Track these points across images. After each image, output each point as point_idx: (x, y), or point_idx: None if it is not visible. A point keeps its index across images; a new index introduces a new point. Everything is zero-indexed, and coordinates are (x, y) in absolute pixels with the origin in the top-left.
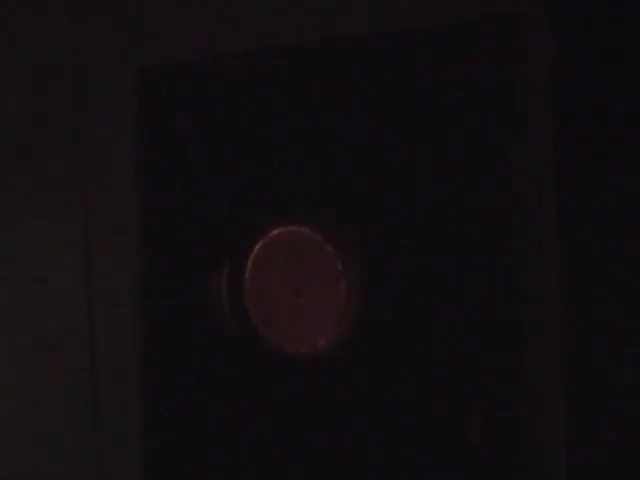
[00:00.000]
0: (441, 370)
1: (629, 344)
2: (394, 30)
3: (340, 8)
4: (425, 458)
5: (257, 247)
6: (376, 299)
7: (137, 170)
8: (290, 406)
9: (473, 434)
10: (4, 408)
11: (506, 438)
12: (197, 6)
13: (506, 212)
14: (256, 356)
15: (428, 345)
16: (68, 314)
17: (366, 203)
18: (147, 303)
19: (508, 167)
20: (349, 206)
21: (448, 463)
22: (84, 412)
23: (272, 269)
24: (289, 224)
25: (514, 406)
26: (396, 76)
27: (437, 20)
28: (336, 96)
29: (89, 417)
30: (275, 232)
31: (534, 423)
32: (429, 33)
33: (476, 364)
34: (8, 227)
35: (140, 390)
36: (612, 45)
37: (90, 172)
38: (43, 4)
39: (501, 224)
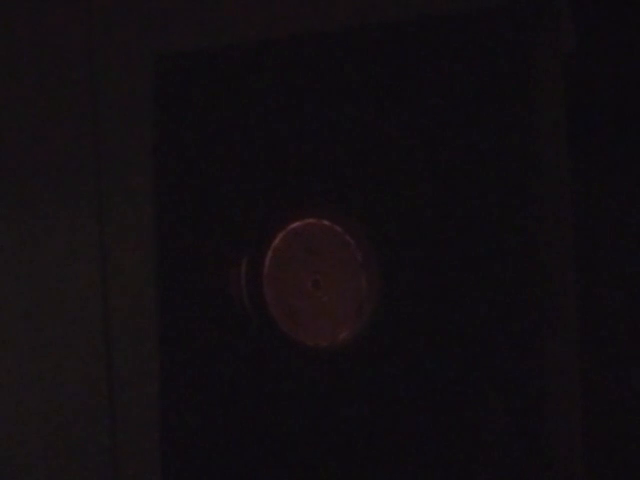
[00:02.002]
0: (463, 363)
1: None
2: (410, 16)
3: None
4: (445, 449)
5: (276, 240)
6: (396, 291)
7: (154, 160)
8: (310, 399)
9: (491, 430)
10: (18, 404)
11: (524, 431)
12: None
13: (524, 205)
14: (276, 349)
15: (449, 337)
16: (83, 311)
17: (386, 195)
18: (165, 298)
19: (525, 162)
20: (369, 198)
21: (467, 457)
22: (100, 411)
23: (292, 262)
24: (309, 217)
25: (532, 397)
26: (414, 64)
27: (453, 6)
28: (359, 85)
29: (105, 414)
30: (295, 225)
31: (552, 419)
32: (444, 19)
33: (498, 358)
34: (22, 223)
35: (158, 384)
36: (634, 36)
37: (105, 161)
38: None
39: (519, 217)
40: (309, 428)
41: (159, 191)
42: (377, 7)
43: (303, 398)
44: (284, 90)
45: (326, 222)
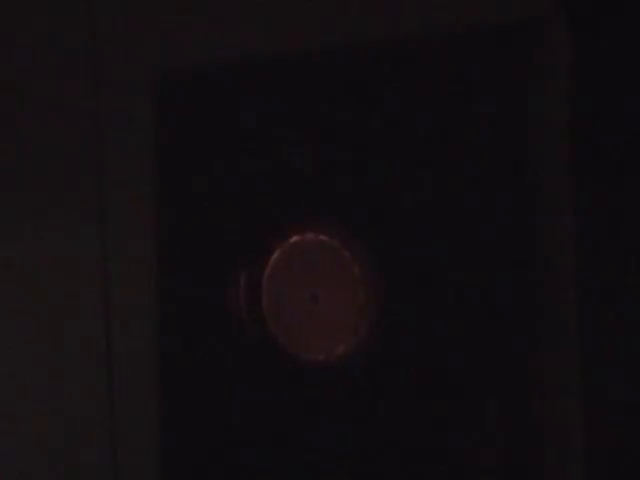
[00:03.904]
0: (462, 373)
1: None
2: (405, 40)
3: (365, 12)
4: (443, 463)
5: (275, 255)
6: (394, 305)
7: (154, 175)
8: (308, 413)
9: (490, 440)
10: (17, 405)
11: (523, 440)
12: (219, 9)
13: (524, 219)
14: (274, 363)
15: (447, 351)
16: (83, 312)
17: (383, 209)
18: (164, 311)
19: (525, 173)
20: (366, 212)
21: (466, 468)
22: (100, 411)
23: (290, 277)
24: (307, 232)
25: (531, 408)
26: (410, 86)
27: (450, 28)
28: (354, 102)
29: (105, 414)
30: (293, 240)
31: (552, 427)
32: (441, 42)
33: (495, 369)
34: (22, 223)
35: (157, 400)
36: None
37: (107, 177)
38: (59, 4)
39: (519, 230)
40: (306, 442)
41: (159, 208)
42: (378, 24)
43: (300, 412)
44: (285, 107)
45: (324, 237)
